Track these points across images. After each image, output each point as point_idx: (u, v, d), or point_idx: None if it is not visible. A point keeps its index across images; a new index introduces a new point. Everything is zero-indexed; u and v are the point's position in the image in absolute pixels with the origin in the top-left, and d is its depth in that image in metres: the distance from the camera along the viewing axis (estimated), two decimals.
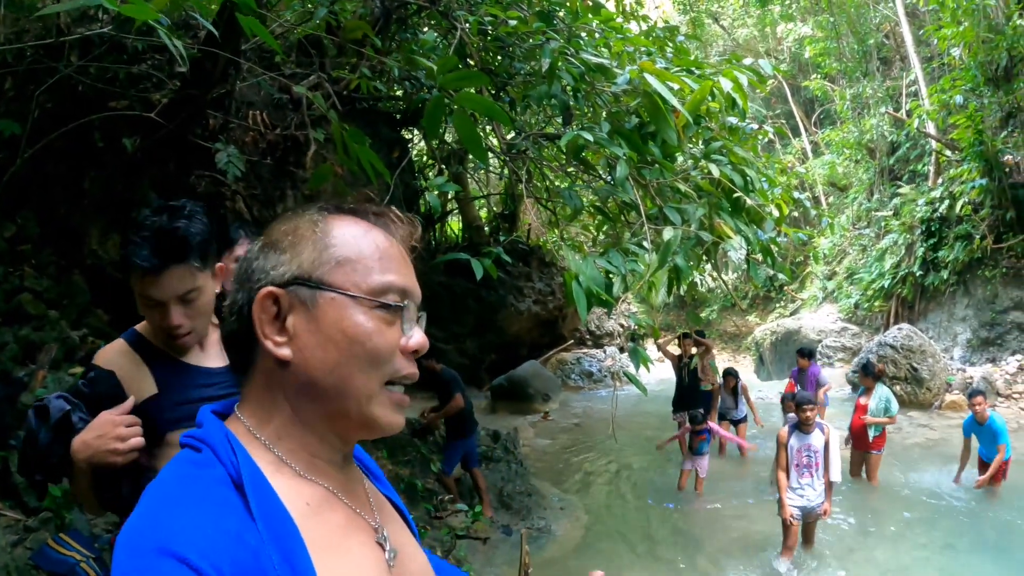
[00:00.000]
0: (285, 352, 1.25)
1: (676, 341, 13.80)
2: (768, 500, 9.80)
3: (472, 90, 3.97)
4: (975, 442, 10.78)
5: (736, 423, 13.14)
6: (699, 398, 12.78)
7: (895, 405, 10.87)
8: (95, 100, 7.33)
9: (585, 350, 23.03)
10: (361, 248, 1.30)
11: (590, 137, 5.85)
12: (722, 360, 32.39)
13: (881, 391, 10.94)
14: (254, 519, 1.12)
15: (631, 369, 6.34)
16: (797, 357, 13.46)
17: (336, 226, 1.32)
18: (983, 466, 10.64)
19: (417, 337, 1.33)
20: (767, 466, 11.26)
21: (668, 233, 5.71)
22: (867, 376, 11.29)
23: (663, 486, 10.95)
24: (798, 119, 33.48)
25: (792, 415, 9.53)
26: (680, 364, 13.02)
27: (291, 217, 1.36)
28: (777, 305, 33.34)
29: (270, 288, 1.26)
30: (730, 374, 13.35)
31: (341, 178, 7.96)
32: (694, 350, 13.00)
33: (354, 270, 1.27)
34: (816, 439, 8.17)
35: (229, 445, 1.21)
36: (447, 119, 4.34)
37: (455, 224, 22.18)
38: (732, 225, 6.62)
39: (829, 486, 8.25)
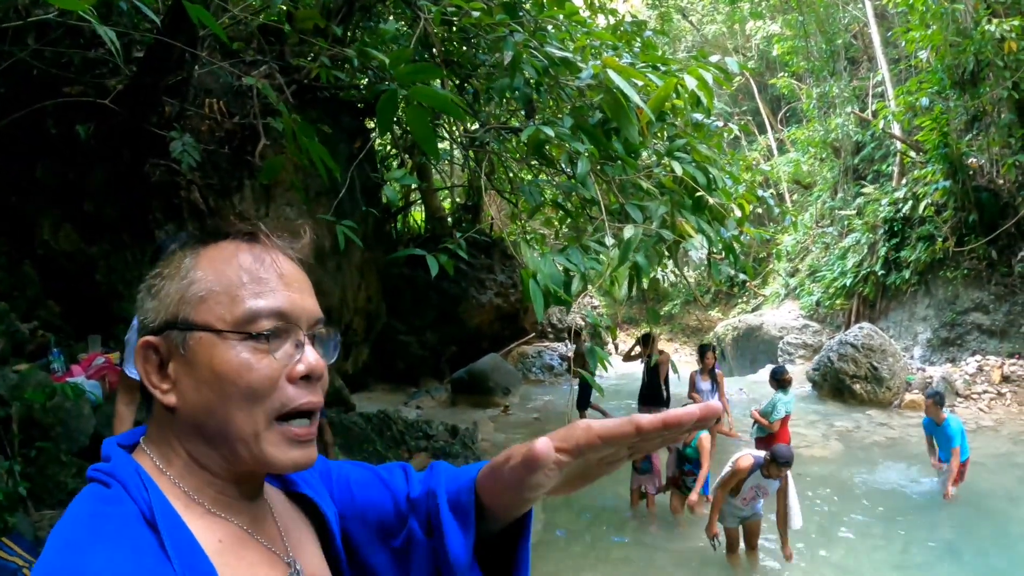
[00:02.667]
0: (171, 399, 1.20)
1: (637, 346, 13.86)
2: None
3: (437, 82, 3.89)
4: (935, 441, 10.81)
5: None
6: (659, 393, 12.81)
7: (780, 412, 10.61)
8: (49, 85, 7.18)
9: (546, 343, 22.92)
10: (226, 277, 1.21)
11: (551, 132, 5.77)
12: (683, 355, 32.47)
13: (775, 396, 10.83)
14: (169, 557, 1.06)
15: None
16: (705, 353, 13.20)
17: (203, 258, 1.24)
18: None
19: (306, 361, 1.21)
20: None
21: (629, 231, 5.64)
22: (771, 379, 11.24)
23: (620, 485, 10.84)
24: (764, 116, 33.58)
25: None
26: (643, 361, 13.09)
27: (166, 259, 1.27)
28: (739, 301, 33.46)
29: (145, 338, 1.22)
30: (710, 349, 12.48)
31: (300, 169, 7.86)
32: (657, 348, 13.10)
33: (218, 303, 1.19)
34: (772, 485, 7.97)
35: (140, 480, 1.15)
36: (401, 112, 4.23)
37: (418, 215, 22.08)
38: (694, 223, 6.56)
39: (784, 531, 8.12)
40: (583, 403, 14.84)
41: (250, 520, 1.27)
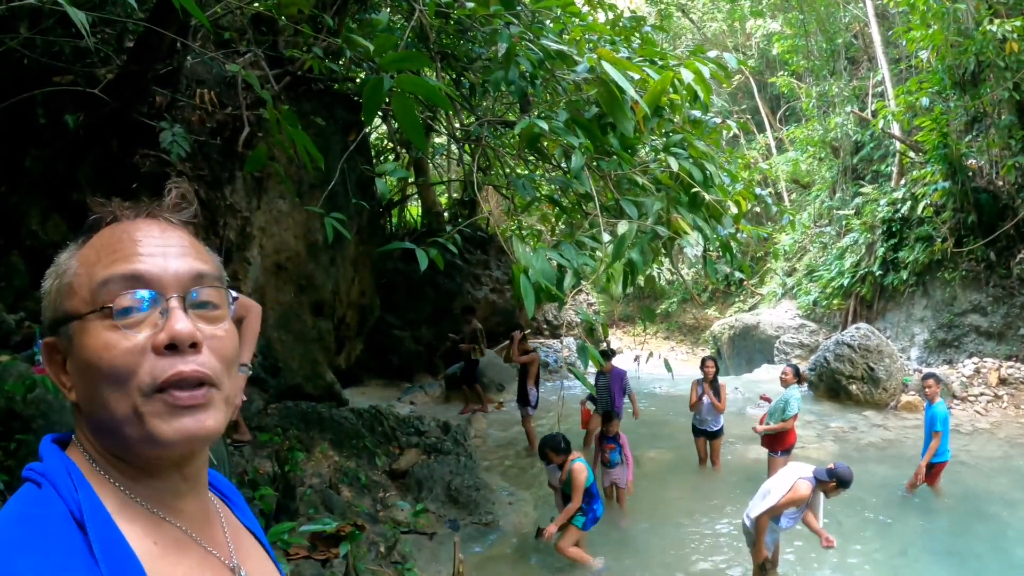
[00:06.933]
0: (72, 396, 1.18)
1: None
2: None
3: (432, 75, 3.81)
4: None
5: (712, 437, 11.90)
6: (525, 393, 13.05)
7: (793, 408, 10.54)
8: (39, 74, 7.10)
9: (542, 340, 22.83)
10: (85, 259, 1.18)
11: (545, 126, 5.69)
12: (680, 354, 32.42)
13: (789, 391, 10.67)
14: (97, 562, 1.04)
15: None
16: (704, 364, 12.76)
17: (79, 249, 1.21)
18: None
19: (169, 328, 1.13)
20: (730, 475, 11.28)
21: (623, 227, 5.56)
22: (793, 374, 10.94)
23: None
24: (764, 115, 33.51)
25: (549, 466, 8.79)
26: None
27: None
28: (736, 300, 33.40)
29: (45, 339, 1.21)
30: (709, 359, 12.07)
31: (294, 162, 7.76)
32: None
33: (80, 286, 1.16)
34: (819, 498, 7.80)
35: (71, 480, 1.13)
36: (387, 102, 4.14)
37: (415, 209, 22.03)
38: (690, 220, 6.48)
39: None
40: (465, 380, 15.77)
41: (191, 521, 1.23)
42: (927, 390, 10.59)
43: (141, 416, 1.11)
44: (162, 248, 1.19)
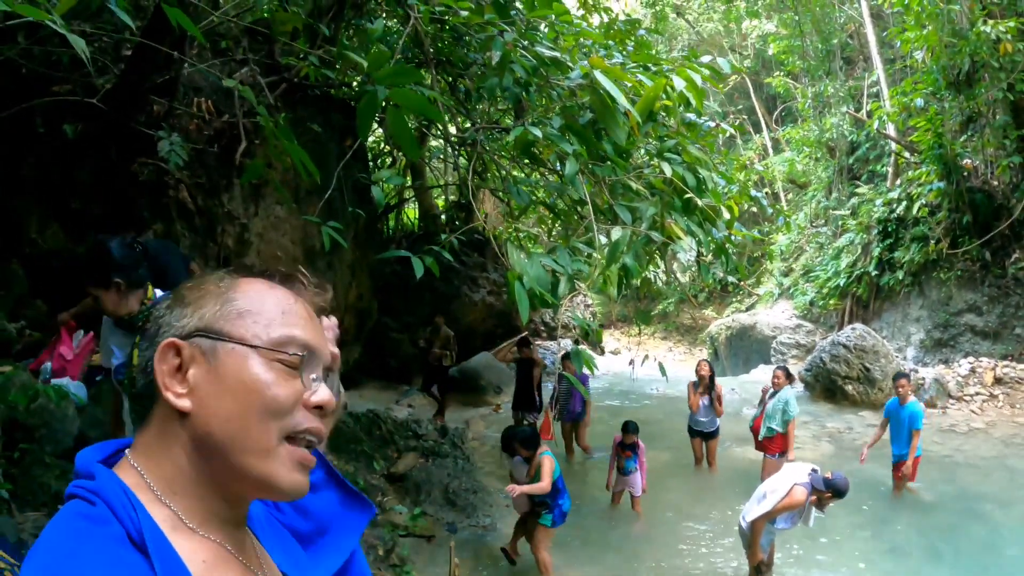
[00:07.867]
0: (185, 404, 1.21)
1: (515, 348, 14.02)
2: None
3: (427, 80, 3.85)
4: (887, 434, 11.01)
5: (708, 438, 11.86)
6: (531, 398, 12.96)
7: (793, 410, 10.66)
8: (37, 84, 7.14)
9: (539, 342, 22.83)
10: (264, 301, 1.30)
11: (539, 133, 5.73)
12: (677, 354, 32.43)
13: (785, 392, 10.78)
14: None
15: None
16: (563, 362, 12.44)
17: (242, 283, 1.32)
18: (894, 467, 10.87)
19: (322, 393, 1.29)
20: (732, 480, 11.32)
21: (617, 232, 5.61)
22: (784, 375, 11.04)
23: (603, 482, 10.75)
24: (760, 115, 33.57)
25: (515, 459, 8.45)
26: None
27: (200, 277, 1.35)
28: (733, 300, 33.45)
29: (171, 339, 1.24)
30: (702, 361, 12.07)
31: (291, 168, 7.80)
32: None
33: (255, 322, 1.26)
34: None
35: (127, 500, 1.15)
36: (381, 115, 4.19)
37: (412, 212, 22.06)
38: (683, 225, 6.53)
39: None
40: (426, 387, 15.55)
41: (233, 541, 1.28)
42: (899, 390, 10.74)
43: (268, 455, 1.22)
44: (318, 330, 1.35)
